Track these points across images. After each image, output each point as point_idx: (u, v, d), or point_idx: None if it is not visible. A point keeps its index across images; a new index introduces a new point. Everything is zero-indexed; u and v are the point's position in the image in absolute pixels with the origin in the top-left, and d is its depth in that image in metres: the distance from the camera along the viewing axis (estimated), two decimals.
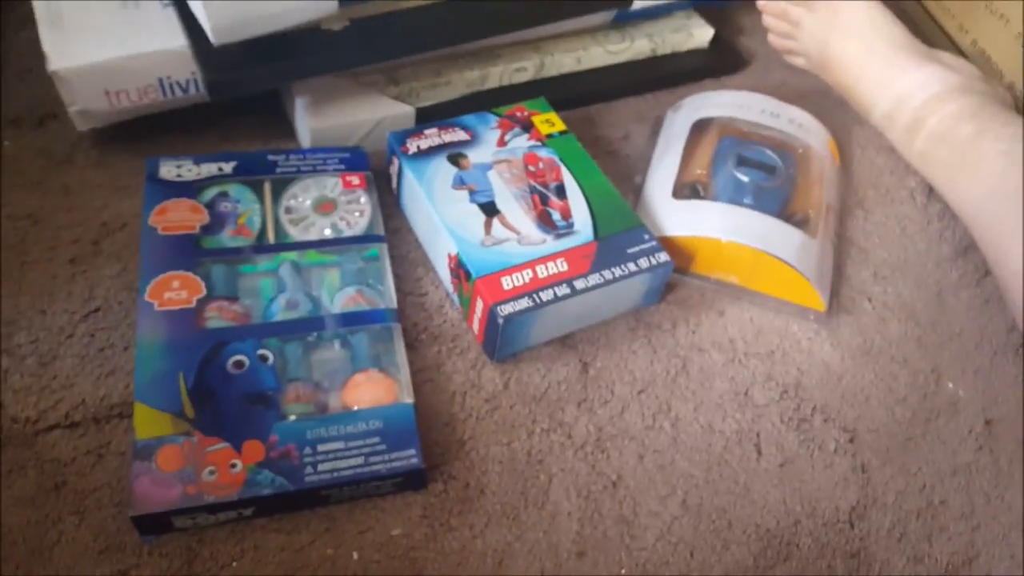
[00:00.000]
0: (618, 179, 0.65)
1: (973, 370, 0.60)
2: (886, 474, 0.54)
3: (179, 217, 0.56)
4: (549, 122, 0.65)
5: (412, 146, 0.61)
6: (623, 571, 0.48)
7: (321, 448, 0.47)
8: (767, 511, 0.51)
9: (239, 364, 0.50)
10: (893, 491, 0.54)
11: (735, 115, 0.70)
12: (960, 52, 0.81)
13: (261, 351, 0.50)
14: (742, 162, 0.65)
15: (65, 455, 0.48)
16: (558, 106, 0.67)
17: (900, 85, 0.68)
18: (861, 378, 0.59)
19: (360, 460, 0.47)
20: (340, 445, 0.47)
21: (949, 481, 0.55)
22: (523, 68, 0.71)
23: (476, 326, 0.55)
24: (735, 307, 0.62)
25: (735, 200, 0.62)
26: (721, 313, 0.61)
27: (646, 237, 0.58)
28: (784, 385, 0.58)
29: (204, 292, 0.52)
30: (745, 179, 0.64)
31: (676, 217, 0.62)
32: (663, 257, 0.57)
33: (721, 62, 0.81)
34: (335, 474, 0.46)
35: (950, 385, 0.59)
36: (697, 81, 0.79)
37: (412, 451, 0.48)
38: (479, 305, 0.54)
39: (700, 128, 0.69)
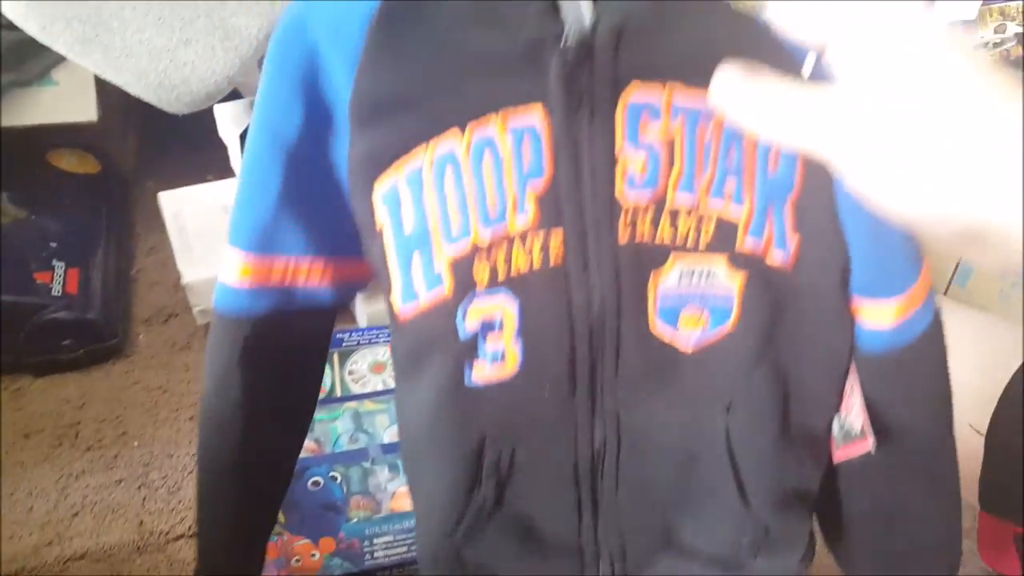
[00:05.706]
0: None
1: None
2: None
3: None
4: None
5: None
6: None
7: (376, 540, 0.63)
8: None
9: (316, 483, 0.67)
10: None
11: None
12: None
13: (332, 473, 0.68)
14: None
15: (189, 557, 0.64)
16: None
17: None
18: None
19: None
20: (390, 538, 0.63)
21: None
22: None
23: None
24: None
25: None
26: None
27: None
28: None
29: None
30: None
31: None
32: None
33: None
34: (387, 559, 0.62)
35: None
36: None
37: None
38: None
39: None
